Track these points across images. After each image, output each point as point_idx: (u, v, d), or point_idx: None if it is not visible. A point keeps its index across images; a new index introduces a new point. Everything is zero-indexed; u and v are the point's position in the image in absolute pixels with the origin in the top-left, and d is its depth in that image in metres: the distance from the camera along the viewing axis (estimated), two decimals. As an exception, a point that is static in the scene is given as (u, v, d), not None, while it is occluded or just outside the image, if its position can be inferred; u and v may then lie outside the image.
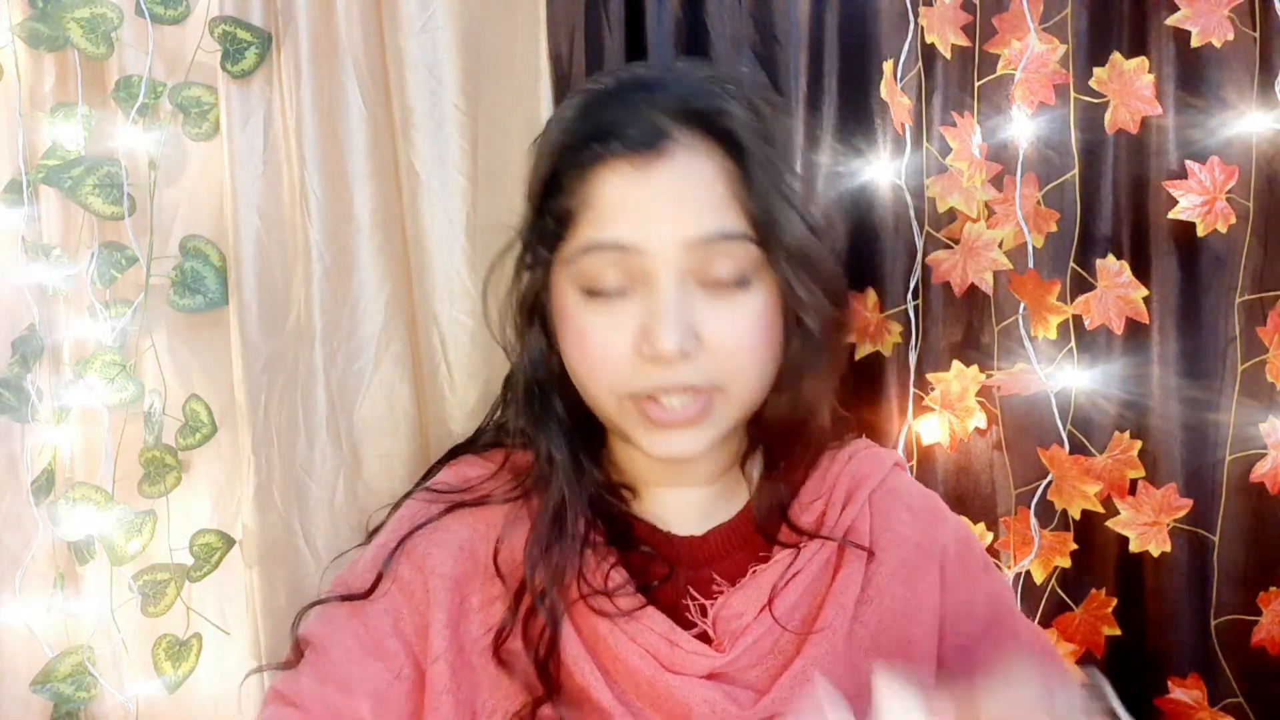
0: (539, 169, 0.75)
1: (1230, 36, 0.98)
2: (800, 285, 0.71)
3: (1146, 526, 1.02)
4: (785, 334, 0.74)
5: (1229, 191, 0.99)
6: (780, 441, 0.79)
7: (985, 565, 0.84)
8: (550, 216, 0.73)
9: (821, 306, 0.73)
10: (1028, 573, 1.07)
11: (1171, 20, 1.00)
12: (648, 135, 0.68)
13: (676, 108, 0.70)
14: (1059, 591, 1.08)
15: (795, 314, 0.73)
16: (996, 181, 1.06)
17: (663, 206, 0.68)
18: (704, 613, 0.74)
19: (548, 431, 0.79)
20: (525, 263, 0.78)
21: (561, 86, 1.13)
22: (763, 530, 0.79)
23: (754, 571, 0.75)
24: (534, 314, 0.79)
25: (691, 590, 0.76)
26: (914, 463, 1.12)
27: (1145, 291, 1.02)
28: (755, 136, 0.71)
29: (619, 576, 0.75)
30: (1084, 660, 1.06)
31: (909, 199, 1.10)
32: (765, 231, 0.70)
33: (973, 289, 1.07)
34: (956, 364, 1.09)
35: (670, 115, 0.69)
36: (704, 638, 0.73)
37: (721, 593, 0.75)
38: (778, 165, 0.72)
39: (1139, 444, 1.03)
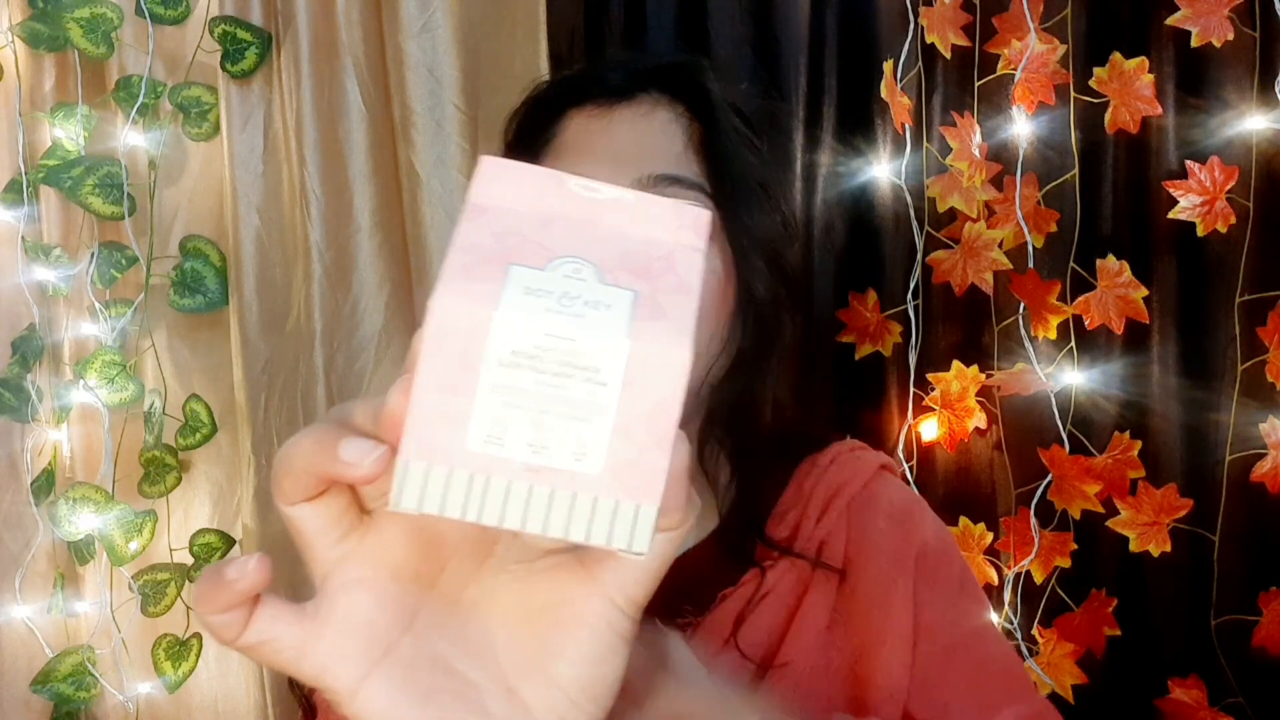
0: (516, 115, 0.76)
1: (1230, 36, 0.98)
2: (751, 265, 0.68)
3: (1146, 526, 1.02)
4: (734, 316, 0.68)
5: (1229, 191, 0.99)
6: (743, 445, 0.73)
7: (961, 581, 0.73)
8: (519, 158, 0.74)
9: (775, 299, 0.69)
10: (1028, 573, 1.07)
11: (1171, 20, 1.00)
12: (616, 85, 0.70)
13: (649, 66, 0.72)
14: (1059, 591, 1.08)
15: (746, 299, 0.68)
16: (996, 181, 1.06)
17: (616, 144, 0.68)
18: None
19: None
20: None
21: (561, 86, 1.13)
22: (737, 550, 0.71)
23: (723, 597, 0.69)
24: None
25: (661, 627, 0.71)
26: (914, 463, 1.12)
27: (1145, 291, 1.02)
28: (728, 108, 0.70)
29: None
30: (1084, 660, 1.06)
31: (909, 199, 1.10)
32: (720, 191, 0.68)
33: (973, 289, 1.06)
34: (956, 364, 1.09)
35: (643, 72, 0.71)
36: None
37: (692, 626, 0.68)
38: (755, 145, 0.71)
39: (1139, 444, 1.03)
